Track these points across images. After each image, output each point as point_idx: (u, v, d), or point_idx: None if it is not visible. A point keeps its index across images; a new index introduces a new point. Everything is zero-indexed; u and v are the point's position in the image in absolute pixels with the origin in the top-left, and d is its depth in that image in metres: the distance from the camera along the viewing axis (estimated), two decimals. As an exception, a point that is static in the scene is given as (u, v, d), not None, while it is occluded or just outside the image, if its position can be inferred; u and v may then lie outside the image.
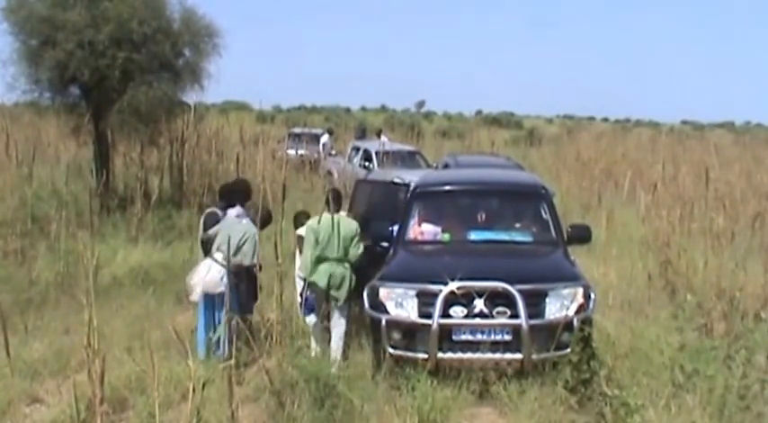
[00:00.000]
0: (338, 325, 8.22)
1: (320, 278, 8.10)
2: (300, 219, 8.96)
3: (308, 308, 8.20)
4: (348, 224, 8.33)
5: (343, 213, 8.63)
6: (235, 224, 8.34)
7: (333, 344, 8.06)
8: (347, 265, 8.22)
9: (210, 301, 8.03)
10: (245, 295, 8.33)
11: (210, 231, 8.49)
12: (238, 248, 8.01)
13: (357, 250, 8.28)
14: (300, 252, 8.65)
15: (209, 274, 8.01)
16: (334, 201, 8.48)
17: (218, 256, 8.04)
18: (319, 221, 8.22)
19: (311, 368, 6.62)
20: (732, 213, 12.61)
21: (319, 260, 8.14)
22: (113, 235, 12.76)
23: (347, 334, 8.36)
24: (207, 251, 8.40)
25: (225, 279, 7.82)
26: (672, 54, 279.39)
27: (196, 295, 8.09)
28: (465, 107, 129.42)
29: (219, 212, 8.57)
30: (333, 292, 8.13)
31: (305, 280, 8.28)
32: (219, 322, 7.88)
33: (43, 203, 12.81)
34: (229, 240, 7.71)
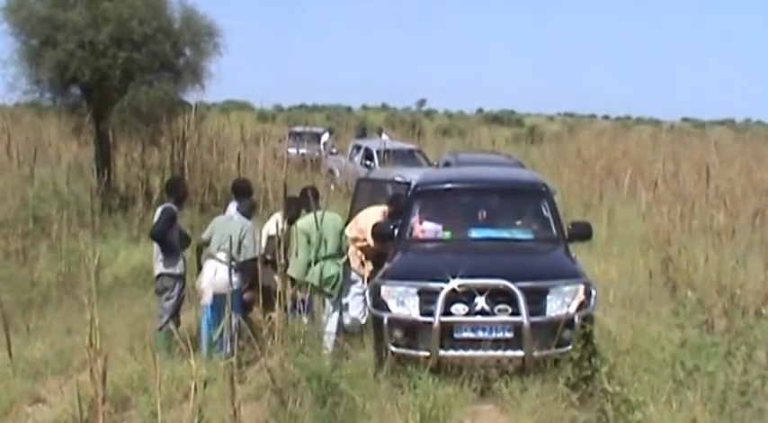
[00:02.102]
0: (330, 321, 8.26)
1: (313, 278, 8.13)
2: (292, 207, 8.69)
3: (308, 310, 8.20)
4: (333, 219, 8.39)
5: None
6: (228, 222, 8.37)
7: (324, 338, 8.04)
8: (340, 261, 8.29)
9: (219, 301, 8.03)
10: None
11: (204, 235, 8.49)
12: (240, 244, 8.03)
13: (346, 243, 8.37)
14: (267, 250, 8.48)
15: (217, 275, 8.02)
16: (313, 198, 8.47)
17: (222, 255, 8.05)
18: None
19: (313, 366, 6.63)
20: (733, 210, 12.58)
21: (315, 260, 8.19)
22: (115, 235, 12.78)
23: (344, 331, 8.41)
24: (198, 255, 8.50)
25: (234, 278, 7.87)
26: (672, 52, 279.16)
27: (208, 298, 8.10)
28: (466, 105, 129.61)
29: (174, 208, 8.55)
30: (327, 290, 8.18)
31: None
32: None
33: (45, 204, 12.80)
34: (231, 239, 7.74)
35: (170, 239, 8.34)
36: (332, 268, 8.18)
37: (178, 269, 8.35)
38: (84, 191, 13.45)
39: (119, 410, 6.65)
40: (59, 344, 8.25)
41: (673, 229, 11.28)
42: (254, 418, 6.63)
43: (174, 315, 8.31)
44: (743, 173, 17.83)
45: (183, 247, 8.59)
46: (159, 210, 8.49)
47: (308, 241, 8.19)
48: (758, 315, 8.23)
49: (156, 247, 8.39)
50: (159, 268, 8.35)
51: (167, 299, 8.31)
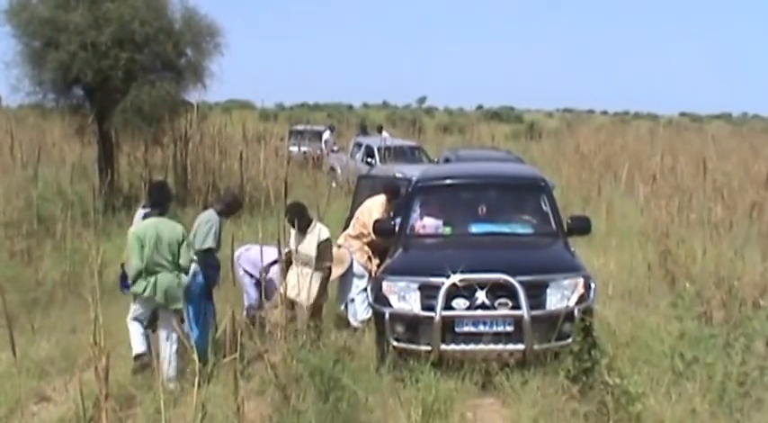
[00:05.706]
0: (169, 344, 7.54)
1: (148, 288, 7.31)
2: (300, 213, 8.48)
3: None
4: (173, 228, 7.45)
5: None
6: (198, 218, 8.29)
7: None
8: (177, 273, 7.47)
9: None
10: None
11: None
12: (195, 236, 7.96)
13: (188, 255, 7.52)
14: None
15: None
16: (157, 204, 7.61)
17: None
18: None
19: (315, 362, 6.68)
20: (730, 203, 12.65)
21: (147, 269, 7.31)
22: (119, 234, 12.76)
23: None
24: None
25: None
26: (670, 47, 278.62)
27: None
28: (466, 102, 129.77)
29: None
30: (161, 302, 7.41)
31: None
32: (200, 315, 7.78)
33: (49, 204, 12.83)
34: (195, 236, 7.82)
35: None
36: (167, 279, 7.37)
37: None
38: (88, 191, 13.48)
39: (123, 408, 6.69)
40: (64, 342, 8.33)
41: (671, 222, 11.32)
42: (258, 413, 6.66)
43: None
44: (740, 166, 17.88)
45: None
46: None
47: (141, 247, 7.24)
48: (756, 306, 8.24)
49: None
50: None
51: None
